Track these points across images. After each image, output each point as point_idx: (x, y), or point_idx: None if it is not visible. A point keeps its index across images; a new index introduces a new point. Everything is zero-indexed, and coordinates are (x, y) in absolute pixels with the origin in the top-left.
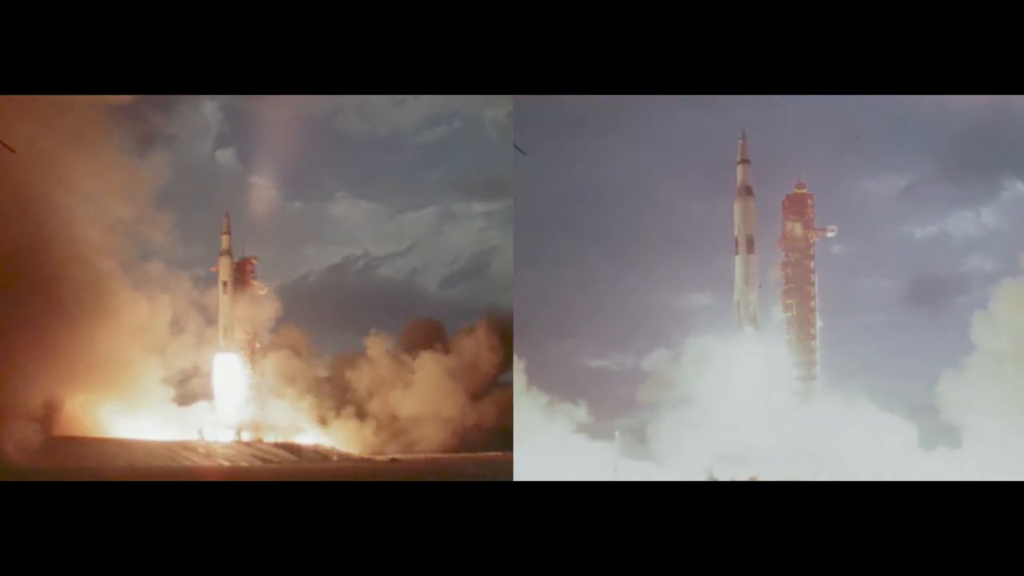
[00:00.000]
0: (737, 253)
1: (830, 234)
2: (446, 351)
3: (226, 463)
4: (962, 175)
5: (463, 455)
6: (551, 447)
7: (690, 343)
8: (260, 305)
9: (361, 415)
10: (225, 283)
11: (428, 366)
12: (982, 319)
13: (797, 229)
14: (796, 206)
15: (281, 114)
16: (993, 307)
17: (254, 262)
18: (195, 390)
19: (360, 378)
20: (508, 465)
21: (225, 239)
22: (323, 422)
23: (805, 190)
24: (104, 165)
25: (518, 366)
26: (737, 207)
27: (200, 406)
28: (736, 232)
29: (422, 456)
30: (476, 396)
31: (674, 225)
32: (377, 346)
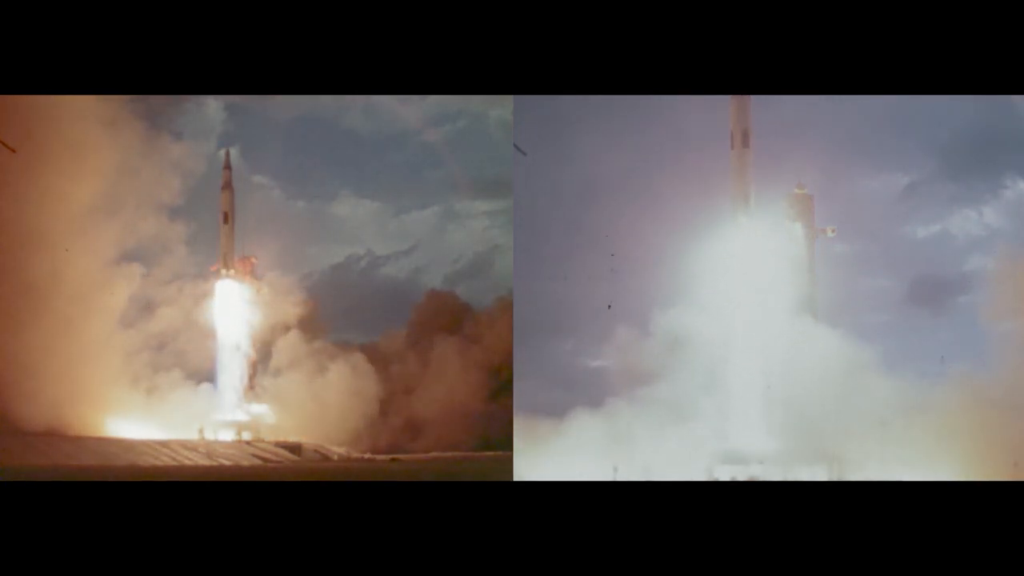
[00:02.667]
0: (732, 148)
1: (830, 234)
2: (466, 337)
3: (226, 463)
4: (964, 174)
5: (463, 455)
6: (551, 447)
7: (656, 317)
8: (272, 308)
9: (383, 420)
10: (226, 214)
11: (450, 358)
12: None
13: (797, 230)
14: (796, 207)
15: (285, 113)
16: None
17: (254, 261)
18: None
19: (380, 383)
20: (508, 465)
21: (226, 173)
22: (354, 437)
23: (805, 190)
24: (104, 163)
25: (518, 365)
26: (732, 103)
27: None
28: (732, 127)
29: (422, 456)
30: (498, 389)
31: (674, 225)
32: (394, 344)
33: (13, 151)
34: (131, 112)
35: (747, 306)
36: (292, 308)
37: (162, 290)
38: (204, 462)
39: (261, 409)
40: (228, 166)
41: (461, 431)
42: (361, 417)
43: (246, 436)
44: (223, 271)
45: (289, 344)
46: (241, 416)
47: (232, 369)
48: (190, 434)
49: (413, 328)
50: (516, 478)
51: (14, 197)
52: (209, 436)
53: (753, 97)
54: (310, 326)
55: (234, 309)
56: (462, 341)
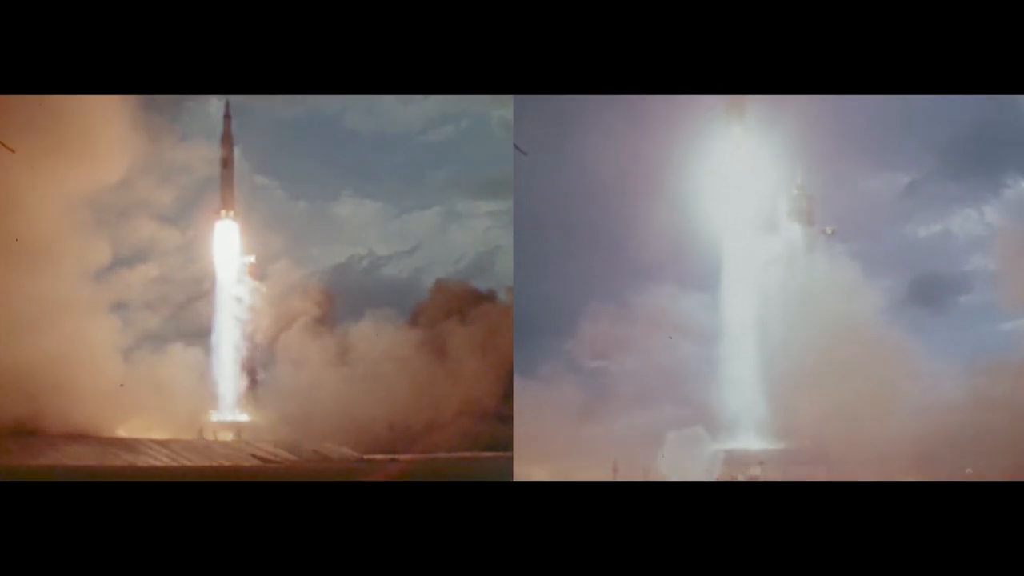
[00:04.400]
0: None
1: (829, 232)
2: (478, 327)
3: (226, 463)
4: (964, 173)
5: (463, 455)
6: (551, 447)
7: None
8: (275, 306)
9: (393, 418)
10: (226, 159)
11: (463, 350)
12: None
13: (797, 229)
14: (796, 206)
15: (287, 113)
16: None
17: (253, 262)
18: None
19: (389, 380)
20: (508, 465)
21: (226, 123)
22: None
23: (805, 191)
24: (106, 162)
25: (518, 365)
26: None
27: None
28: None
29: (422, 456)
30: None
31: (674, 224)
32: (405, 338)
33: (12, 151)
34: (130, 112)
35: (741, 217)
36: (300, 302)
37: (160, 290)
38: (204, 462)
39: (258, 420)
40: (228, 115)
41: (475, 427)
42: (368, 416)
43: (246, 437)
44: (223, 212)
45: (294, 342)
46: (240, 417)
47: (232, 369)
48: (190, 434)
49: (423, 320)
50: (516, 478)
51: (11, 198)
52: (208, 437)
53: (753, 97)
54: (316, 322)
55: (232, 253)
56: (475, 333)
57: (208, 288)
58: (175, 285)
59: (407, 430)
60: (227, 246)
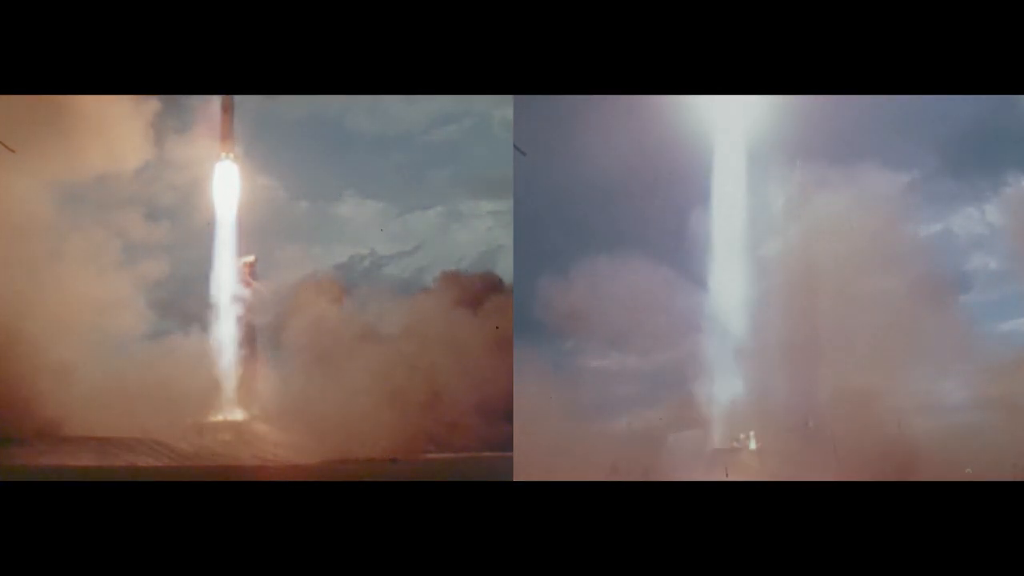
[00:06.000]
0: None
1: (828, 231)
2: (487, 314)
3: (226, 463)
4: (965, 171)
5: (463, 455)
6: (551, 446)
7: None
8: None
9: (403, 419)
10: (226, 106)
11: (472, 340)
12: None
13: (795, 228)
14: (795, 205)
15: (290, 113)
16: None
17: (253, 261)
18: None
19: (398, 381)
20: (508, 465)
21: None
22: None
23: (803, 191)
24: (107, 162)
25: (518, 364)
26: None
27: None
28: None
29: (422, 456)
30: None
31: (674, 223)
32: (410, 337)
33: (13, 151)
34: (132, 111)
35: (741, 216)
36: (303, 300)
37: (161, 288)
38: (204, 462)
39: (259, 420)
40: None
41: (484, 427)
42: (371, 415)
43: (246, 437)
44: (223, 155)
45: (296, 342)
46: (241, 417)
47: (234, 369)
48: (190, 434)
49: (429, 317)
50: (516, 478)
51: (11, 196)
52: (208, 436)
53: (755, 97)
54: (318, 322)
55: (230, 194)
56: (483, 323)
57: (210, 288)
58: (176, 283)
59: (412, 429)
60: (227, 189)
